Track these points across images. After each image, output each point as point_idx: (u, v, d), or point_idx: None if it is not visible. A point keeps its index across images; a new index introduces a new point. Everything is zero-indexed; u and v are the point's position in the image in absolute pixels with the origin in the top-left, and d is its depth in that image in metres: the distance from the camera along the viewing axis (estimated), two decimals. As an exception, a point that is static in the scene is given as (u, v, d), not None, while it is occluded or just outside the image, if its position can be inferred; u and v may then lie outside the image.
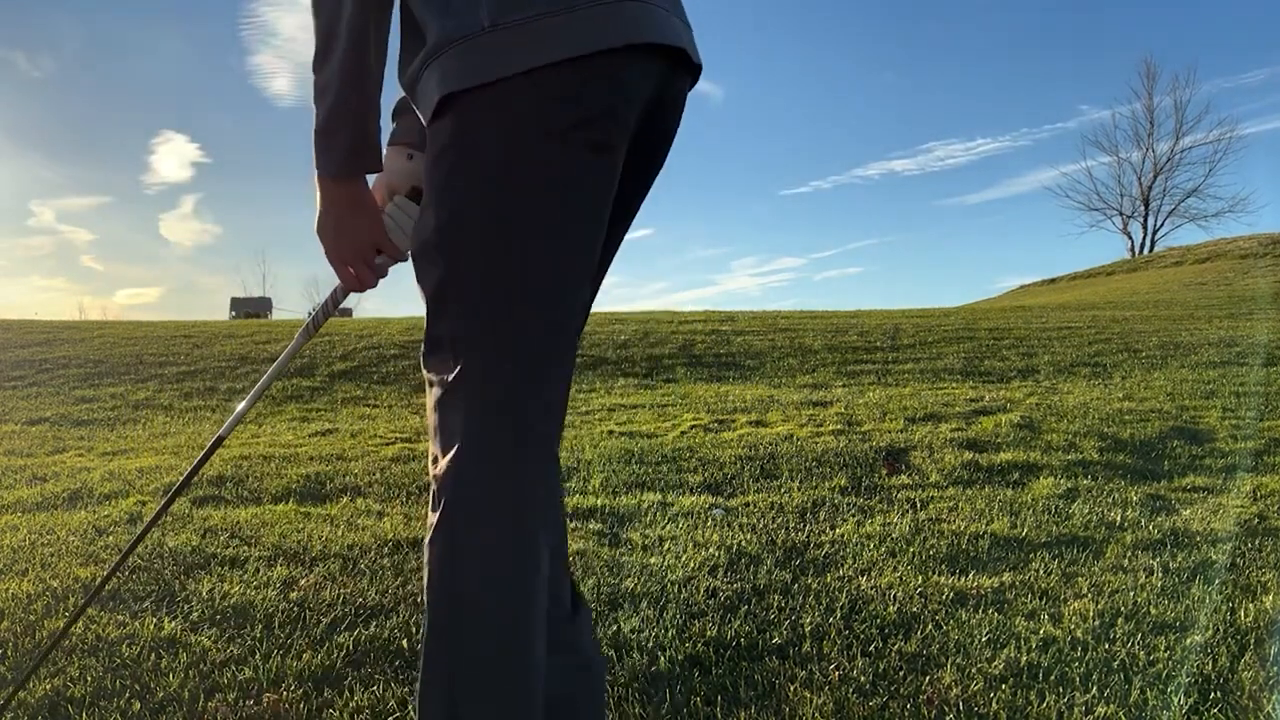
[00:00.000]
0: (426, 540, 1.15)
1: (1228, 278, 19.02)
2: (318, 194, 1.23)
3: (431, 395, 1.20)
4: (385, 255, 1.28)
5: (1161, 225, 41.15)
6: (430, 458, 1.19)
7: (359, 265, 1.26)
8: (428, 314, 1.19)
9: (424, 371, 1.21)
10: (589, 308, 1.37)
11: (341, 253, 1.25)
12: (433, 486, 1.17)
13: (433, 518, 1.14)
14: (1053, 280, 27.66)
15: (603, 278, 1.40)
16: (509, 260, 1.14)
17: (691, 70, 1.30)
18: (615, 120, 1.16)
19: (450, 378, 1.16)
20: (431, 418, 1.19)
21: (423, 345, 1.22)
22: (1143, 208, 41.50)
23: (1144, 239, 41.12)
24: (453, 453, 1.14)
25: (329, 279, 1.36)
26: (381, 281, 1.33)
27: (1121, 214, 41.84)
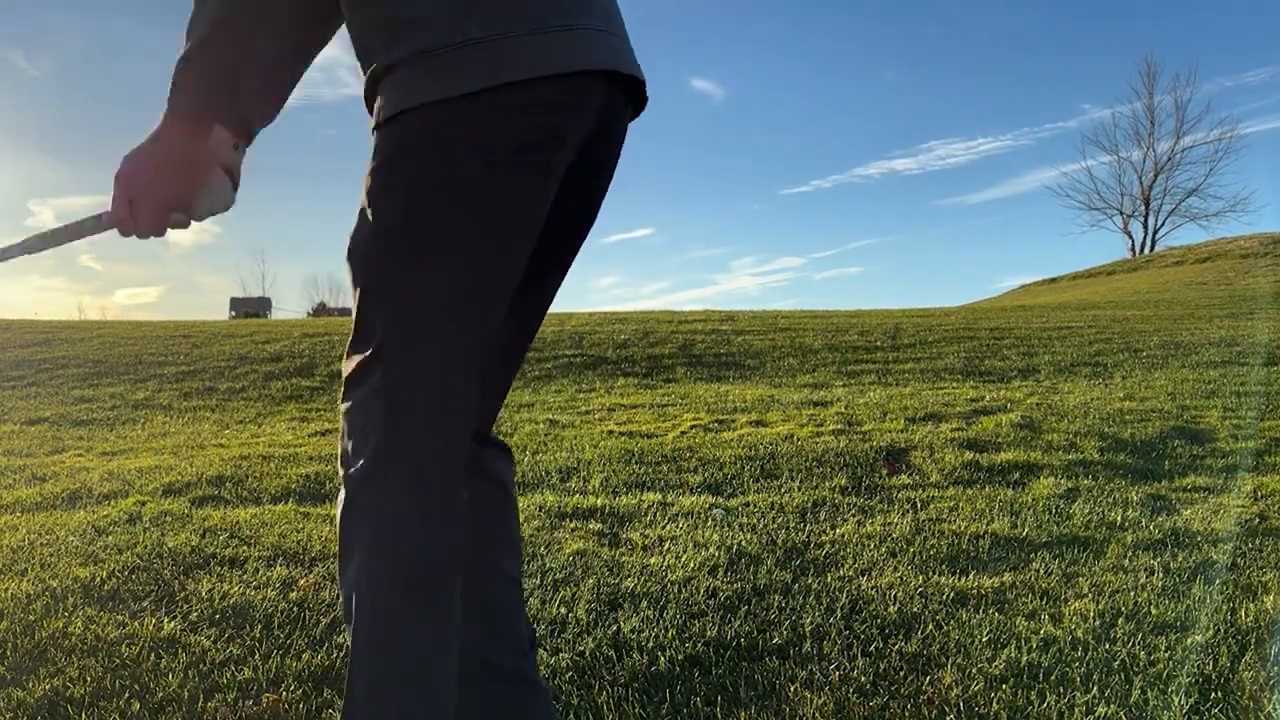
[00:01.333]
0: (338, 531, 1.20)
1: (1228, 277, 19.02)
2: (161, 127, 1.18)
3: (350, 393, 1.23)
4: (183, 214, 1.22)
5: (1162, 225, 41.19)
6: (340, 454, 1.22)
7: (159, 211, 1.20)
8: (355, 314, 1.22)
9: (345, 367, 1.24)
10: (528, 326, 1.42)
11: (156, 189, 1.19)
12: (342, 484, 1.21)
13: (337, 511, 1.20)
14: (1053, 280, 27.67)
15: (547, 301, 1.43)
16: (433, 275, 1.17)
17: (636, 101, 1.31)
18: (557, 145, 1.17)
19: (372, 380, 1.20)
20: (347, 415, 1.23)
21: (348, 343, 1.25)
22: (1143, 207, 41.52)
23: (1144, 238, 41.15)
24: (370, 451, 1.18)
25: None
26: None
27: (1122, 213, 41.87)
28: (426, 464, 1.19)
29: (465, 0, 1.13)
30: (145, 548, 2.65)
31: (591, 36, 1.18)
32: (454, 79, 1.12)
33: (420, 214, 1.16)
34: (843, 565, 2.57)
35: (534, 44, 1.13)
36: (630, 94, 1.29)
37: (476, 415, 1.30)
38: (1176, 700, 1.73)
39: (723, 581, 2.41)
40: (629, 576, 2.43)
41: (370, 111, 1.24)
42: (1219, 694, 1.76)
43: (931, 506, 3.21)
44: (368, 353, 1.20)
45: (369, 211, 1.19)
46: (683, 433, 4.77)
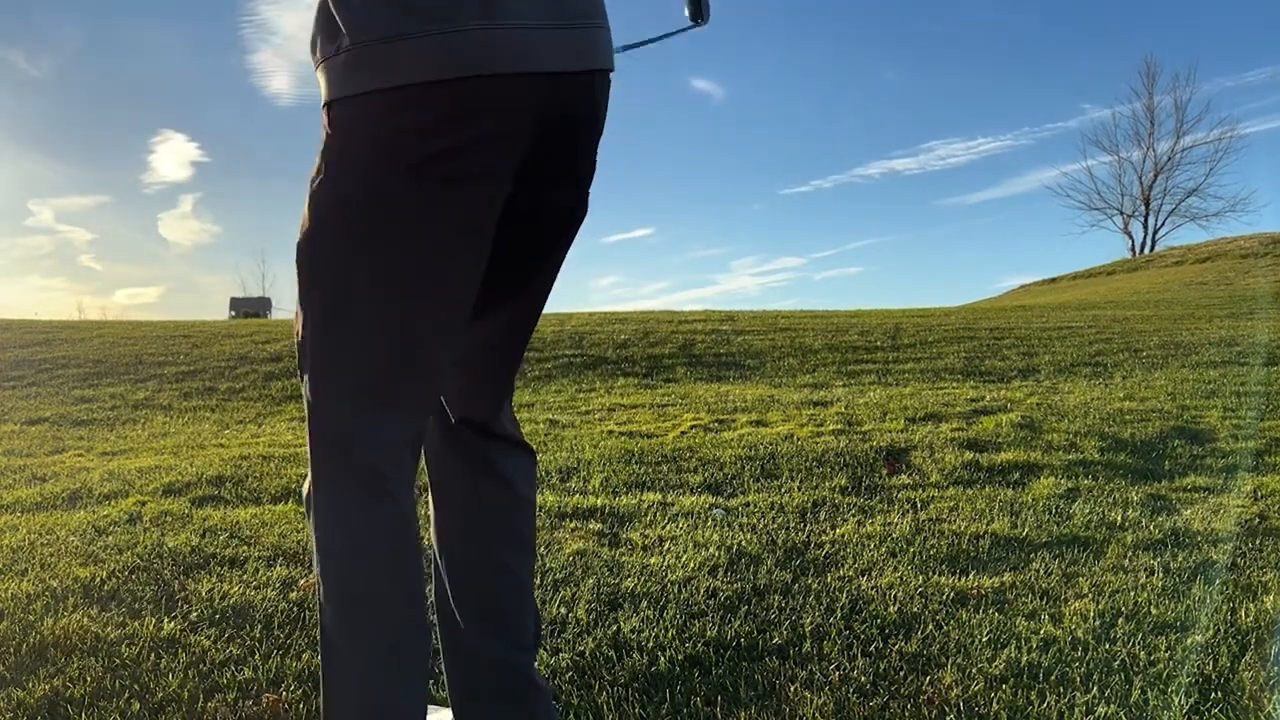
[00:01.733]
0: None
1: (1228, 277, 19.01)
2: None
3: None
4: None
5: (1162, 225, 41.07)
6: None
7: None
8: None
9: None
10: (520, 322, 1.37)
11: None
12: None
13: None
14: (1053, 280, 27.62)
15: (539, 299, 1.38)
16: (346, 291, 1.17)
17: (600, 73, 1.24)
18: (476, 151, 1.13)
19: (304, 392, 1.23)
20: None
21: None
22: (1143, 207, 41.42)
23: (1144, 238, 41.06)
24: (310, 458, 1.23)
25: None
26: None
27: (1122, 213, 41.76)
28: (354, 467, 1.20)
29: (365, 4, 1.12)
30: (145, 548, 2.65)
31: (496, 37, 1.11)
32: (351, 79, 1.13)
33: (341, 225, 1.17)
34: (843, 565, 2.57)
35: (430, 46, 1.09)
36: (578, 73, 1.20)
37: (422, 412, 1.29)
38: (1176, 700, 1.73)
39: (723, 581, 2.41)
40: (629, 576, 2.43)
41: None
42: (1219, 694, 1.76)
43: (931, 506, 3.21)
44: (301, 363, 1.24)
45: (306, 210, 1.21)
46: (683, 433, 4.77)
